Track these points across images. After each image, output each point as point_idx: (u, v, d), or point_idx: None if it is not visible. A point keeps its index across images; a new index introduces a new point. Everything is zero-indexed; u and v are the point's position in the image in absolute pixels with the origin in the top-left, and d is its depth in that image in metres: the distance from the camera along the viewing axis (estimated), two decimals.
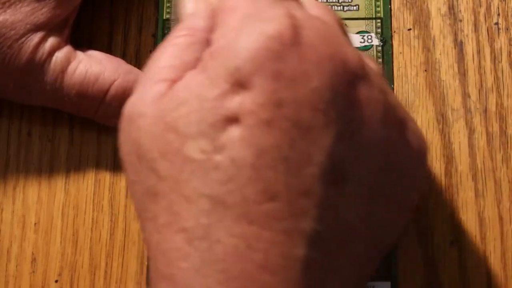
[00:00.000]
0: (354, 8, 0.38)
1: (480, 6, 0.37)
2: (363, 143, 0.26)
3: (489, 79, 0.36)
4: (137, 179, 0.27)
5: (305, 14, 0.27)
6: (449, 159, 0.35)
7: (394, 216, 0.28)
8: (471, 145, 0.36)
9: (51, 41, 0.34)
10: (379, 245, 0.28)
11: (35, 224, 0.35)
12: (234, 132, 0.25)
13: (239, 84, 0.25)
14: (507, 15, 0.37)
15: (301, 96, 0.25)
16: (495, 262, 0.34)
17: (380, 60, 0.37)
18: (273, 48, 0.25)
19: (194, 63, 0.28)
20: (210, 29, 0.28)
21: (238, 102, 0.25)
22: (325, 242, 0.25)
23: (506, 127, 0.36)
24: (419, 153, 0.29)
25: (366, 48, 0.37)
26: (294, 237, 0.25)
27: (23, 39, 0.33)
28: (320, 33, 0.27)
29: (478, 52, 0.37)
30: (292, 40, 0.26)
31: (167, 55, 0.28)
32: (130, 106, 0.28)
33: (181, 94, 0.26)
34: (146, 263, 0.35)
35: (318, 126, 0.25)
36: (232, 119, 0.25)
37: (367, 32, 0.37)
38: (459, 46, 0.37)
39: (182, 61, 0.28)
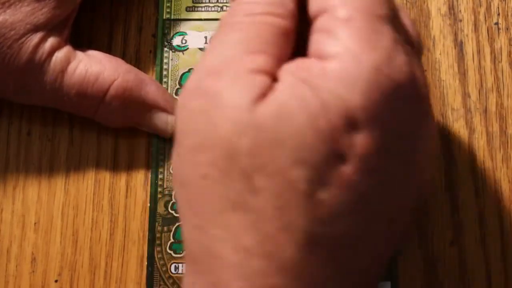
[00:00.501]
0: None
1: (480, 6, 0.37)
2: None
3: (489, 79, 0.36)
4: (217, 177, 0.24)
5: (419, 65, 0.26)
6: (449, 159, 0.35)
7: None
8: (471, 145, 0.36)
9: (51, 41, 0.34)
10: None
11: (35, 224, 0.35)
12: (343, 172, 0.24)
13: (354, 123, 0.24)
14: (507, 15, 0.37)
15: (403, 151, 0.25)
16: (495, 262, 0.34)
17: None
18: (397, 99, 0.24)
19: (282, 56, 0.26)
20: (292, 16, 0.26)
21: (350, 142, 0.24)
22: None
23: (506, 127, 0.36)
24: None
25: None
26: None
27: (23, 39, 0.33)
28: (426, 88, 0.26)
29: (478, 52, 0.37)
30: (413, 95, 0.25)
31: (252, 33, 0.26)
32: (216, 86, 0.25)
33: (289, 106, 0.24)
34: (145, 263, 0.35)
35: (399, 175, 0.25)
36: (341, 158, 0.24)
37: None
38: (459, 46, 0.37)
39: (274, 50, 0.26)
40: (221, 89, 0.25)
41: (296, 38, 0.27)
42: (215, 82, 0.25)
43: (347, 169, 0.24)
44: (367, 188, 0.24)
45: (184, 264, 0.35)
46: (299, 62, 0.25)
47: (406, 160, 0.25)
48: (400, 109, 0.25)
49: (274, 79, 0.25)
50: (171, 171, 0.36)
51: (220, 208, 0.24)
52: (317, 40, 0.25)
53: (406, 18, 0.28)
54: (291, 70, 0.25)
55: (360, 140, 0.24)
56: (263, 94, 0.24)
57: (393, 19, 0.26)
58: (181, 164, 0.26)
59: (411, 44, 0.27)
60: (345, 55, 0.24)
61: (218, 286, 0.24)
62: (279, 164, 0.23)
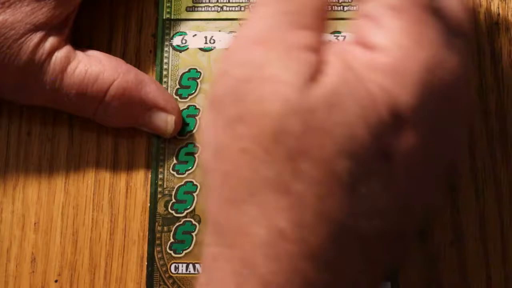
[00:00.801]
0: (354, 8, 0.38)
1: (480, 6, 0.37)
2: None
3: (489, 79, 0.36)
4: (259, 155, 0.23)
5: (467, 58, 0.25)
6: None
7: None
8: (471, 145, 0.36)
9: (50, 41, 0.34)
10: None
11: (35, 224, 0.35)
12: (385, 169, 0.23)
13: (400, 121, 0.23)
14: (507, 15, 0.37)
15: (443, 155, 0.25)
16: (495, 262, 0.34)
17: None
18: (445, 100, 0.24)
19: (323, 32, 0.24)
20: None
21: (395, 141, 0.23)
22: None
23: (506, 127, 0.36)
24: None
25: None
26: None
27: (23, 39, 0.33)
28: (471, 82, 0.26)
29: (478, 52, 0.37)
30: (460, 97, 0.24)
31: (296, 5, 0.25)
32: (264, 56, 0.24)
33: (341, 94, 0.23)
34: (145, 263, 0.35)
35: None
36: (385, 155, 0.23)
37: None
38: None
39: (318, 25, 0.24)
40: (271, 62, 0.24)
41: None
42: (263, 53, 0.24)
43: (390, 167, 0.23)
44: (405, 187, 0.24)
45: (184, 264, 0.35)
46: (345, 46, 0.24)
47: (443, 158, 0.25)
48: (447, 110, 0.24)
49: (320, 57, 0.24)
50: (171, 171, 0.36)
51: (258, 186, 0.23)
52: (363, 27, 0.25)
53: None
54: (339, 54, 0.24)
55: (405, 140, 0.23)
56: (314, 75, 0.23)
57: (444, 9, 0.25)
58: (218, 133, 0.24)
59: (461, 33, 0.26)
60: (394, 49, 0.23)
61: (245, 262, 0.23)
62: (326, 152, 0.23)
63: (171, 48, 0.37)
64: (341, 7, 0.38)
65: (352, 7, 0.38)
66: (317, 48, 0.24)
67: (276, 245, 0.23)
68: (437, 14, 0.24)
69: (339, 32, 0.37)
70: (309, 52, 0.24)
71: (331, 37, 0.29)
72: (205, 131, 0.25)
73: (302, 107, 0.23)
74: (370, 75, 0.23)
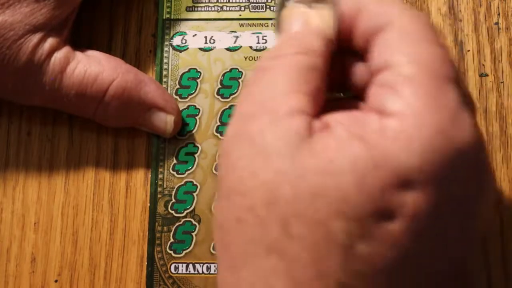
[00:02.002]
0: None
1: (480, 6, 0.37)
2: None
3: (489, 79, 0.36)
4: (253, 222, 0.24)
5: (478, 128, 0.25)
6: None
7: None
8: None
9: (50, 42, 0.34)
10: None
11: (35, 224, 0.35)
12: (387, 229, 0.23)
13: (409, 182, 0.23)
14: (507, 15, 0.37)
15: (455, 213, 0.24)
16: (495, 262, 0.34)
17: None
18: (457, 161, 0.24)
19: (317, 95, 0.25)
20: (327, 54, 0.26)
21: (401, 200, 0.23)
22: None
23: (506, 127, 0.36)
24: None
25: None
26: None
27: (22, 40, 0.33)
28: (486, 152, 0.25)
29: (478, 52, 0.37)
30: (474, 161, 0.24)
31: (285, 76, 0.25)
32: (258, 131, 0.25)
33: (333, 157, 0.23)
34: (145, 263, 0.35)
35: (454, 239, 0.25)
36: (389, 215, 0.23)
37: None
38: (459, 46, 0.37)
39: (309, 88, 0.25)
40: (260, 133, 0.25)
41: (334, 75, 0.27)
42: (254, 126, 0.25)
43: (394, 227, 0.23)
44: (415, 247, 0.23)
45: (184, 264, 0.35)
46: (355, 115, 0.25)
47: (461, 222, 0.24)
48: (459, 172, 0.24)
49: (314, 117, 0.25)
50: (171, 171, 0.36)
51: (254, 251, 0.24)
52: (378, 95, 0.25)
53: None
54: (345, 123, 0.25)
55: (412, 200, 0.23)
56: (305, 136, 0.24)
57: (456, 79, 0.25)
58: (220, 207, 0.26)
59: (470, 105, 0.26)
60: (407, 114, 0.24)
61: None
62: (319, 214, 0.23)
63: (171, 48, 0.37)
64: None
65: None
66: (306, 108, 0.25)
67: None
68: (453, 83, 0.25)
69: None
70: (297, 115, 0.25)
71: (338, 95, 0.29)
72: (214, 207, 0.27)
73: (293, 175, 0.24)
74: (380, 141, 0.23)
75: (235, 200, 0.25)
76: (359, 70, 0.27)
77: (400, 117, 0.24)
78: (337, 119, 0.25)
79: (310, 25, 0.27)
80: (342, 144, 0.24)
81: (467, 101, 0.25)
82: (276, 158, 0.24)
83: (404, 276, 0.23)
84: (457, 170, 0.24)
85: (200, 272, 0.35)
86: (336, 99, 0.29)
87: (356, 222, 0.23)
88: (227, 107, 0.36)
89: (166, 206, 0.35)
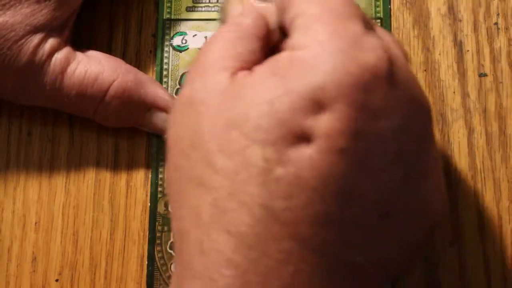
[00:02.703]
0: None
1: (480, 6, 0.37)
2: (417, 187, 0.27)
3: (488, 79, 0.36)
4: (185, 165, 0.27)
5: (397, 50, 0.27)
6: (448, 159, 0.35)
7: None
8: (470, 145, 0.36)
9: (50, 42, 0.34)
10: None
11: (35, 223, 0.35)
12: (304, 151, 0.25)
13: (319, 104, 0.25)
14: (507, 15, 0.37)
15: (378, 133, 0.25)
16: (495, 262, 0.34)
17: None
18: (365, 79, 0.25)
19: (249, 56, 0.28)
20: (263, 27, 0.29)
21: (315, 122, 0.25)
22: (362, 275, 0.26)
23: (505, 127, 0.36)
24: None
25: None
26: (338, 266, 0.25)
27: (23, 40, 0.33)
28: (409, 73, 0.27)
29: (478, 52, 0.37)
30: (386, 76, 0.25)
31: (219, 46, 0.28)
32: (191, 91, 0.28)
33: (249, 93, 0.26)
34: (146, 262, 0.35)
35: (385, 167, 0.25)
36: (304, 138, 0.25)
37: None
38: (459, 46, 0.37)
39: (236, 52, 0.28)
40: (194, 92, 0.28)
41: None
42: (190, 88, 0.28)
43: (311, 149, 0.24)
44: (335, 169, 0.24)
45: None
46: (273, 57, 0.27)
47: (379, 137, 0.25)
48: (373, 91, 0.25)
49: (245, 70, 0.27)
50: None
51: (186, 189, 0.26)
52: (291, 38, 0.27)
53: (383, 33, 0.29)
54: (264, 64, 0.27)
55: (326, 120, 0.25)
56: (227, 86, 0.27)
57: (364, 21, 0.27)
58: (166, 164, 0.29)
59: (372, 27, 0.28)
60: (312, 44, 0.26)
61: (186, 265, 0.26)
62: (236, 145, 0.25)
63: (171, 48, 0.37)
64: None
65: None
66: (236, 68, 0.28)
67: (205, 239, 0.26)
68: (359, 20, 0.27)
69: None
70: (227, 69, 0.27)
71: None
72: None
73: (212, 114, 0.27)
74: (289, 70, 0.26)
75: (171, 151, 0.28)
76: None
77: (307, 48, 0.26)
78: (261, 65, 0.27)
79: (246, 5, 0.30)
80: (257, 81, 0.26)
81: (370, 26, 0.27)
82: (200, 107, 0.27)
83: (326, 196, 0.24)
84: (369, 89, 0.25)
85: None
86: None
87: (271, 146, 0.25)
88: None
89: (166, 205, 0.35)
